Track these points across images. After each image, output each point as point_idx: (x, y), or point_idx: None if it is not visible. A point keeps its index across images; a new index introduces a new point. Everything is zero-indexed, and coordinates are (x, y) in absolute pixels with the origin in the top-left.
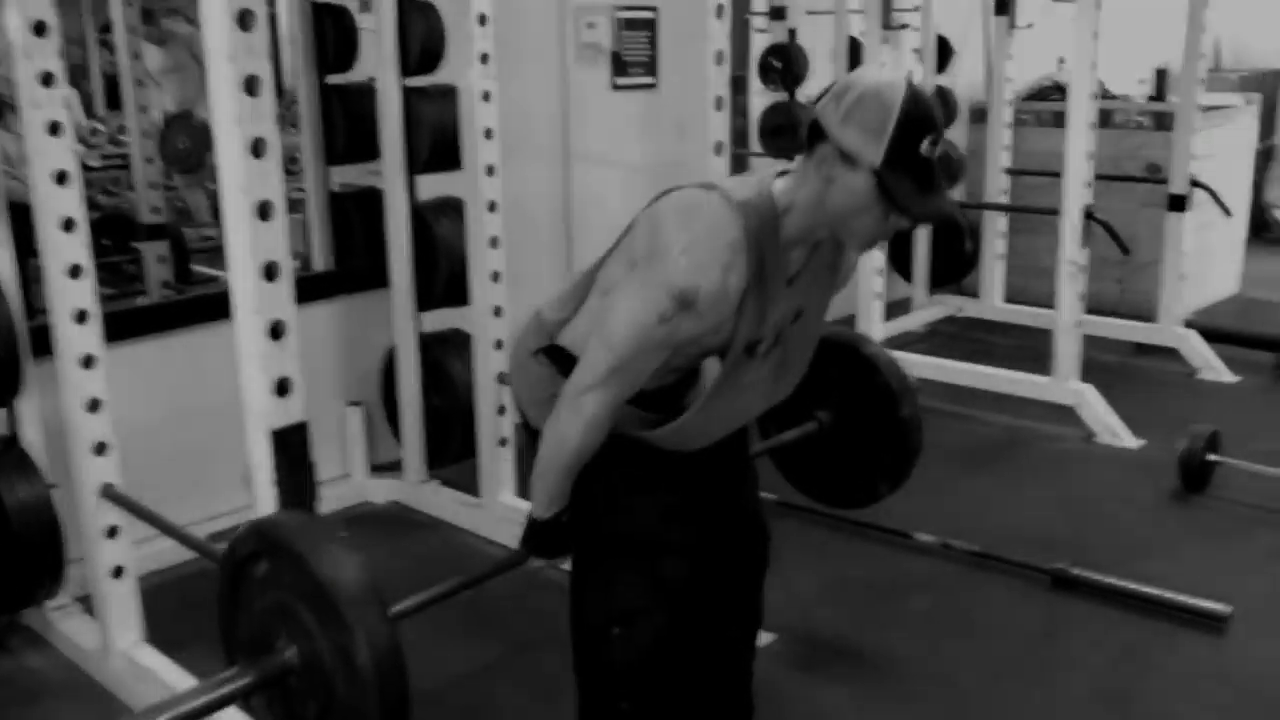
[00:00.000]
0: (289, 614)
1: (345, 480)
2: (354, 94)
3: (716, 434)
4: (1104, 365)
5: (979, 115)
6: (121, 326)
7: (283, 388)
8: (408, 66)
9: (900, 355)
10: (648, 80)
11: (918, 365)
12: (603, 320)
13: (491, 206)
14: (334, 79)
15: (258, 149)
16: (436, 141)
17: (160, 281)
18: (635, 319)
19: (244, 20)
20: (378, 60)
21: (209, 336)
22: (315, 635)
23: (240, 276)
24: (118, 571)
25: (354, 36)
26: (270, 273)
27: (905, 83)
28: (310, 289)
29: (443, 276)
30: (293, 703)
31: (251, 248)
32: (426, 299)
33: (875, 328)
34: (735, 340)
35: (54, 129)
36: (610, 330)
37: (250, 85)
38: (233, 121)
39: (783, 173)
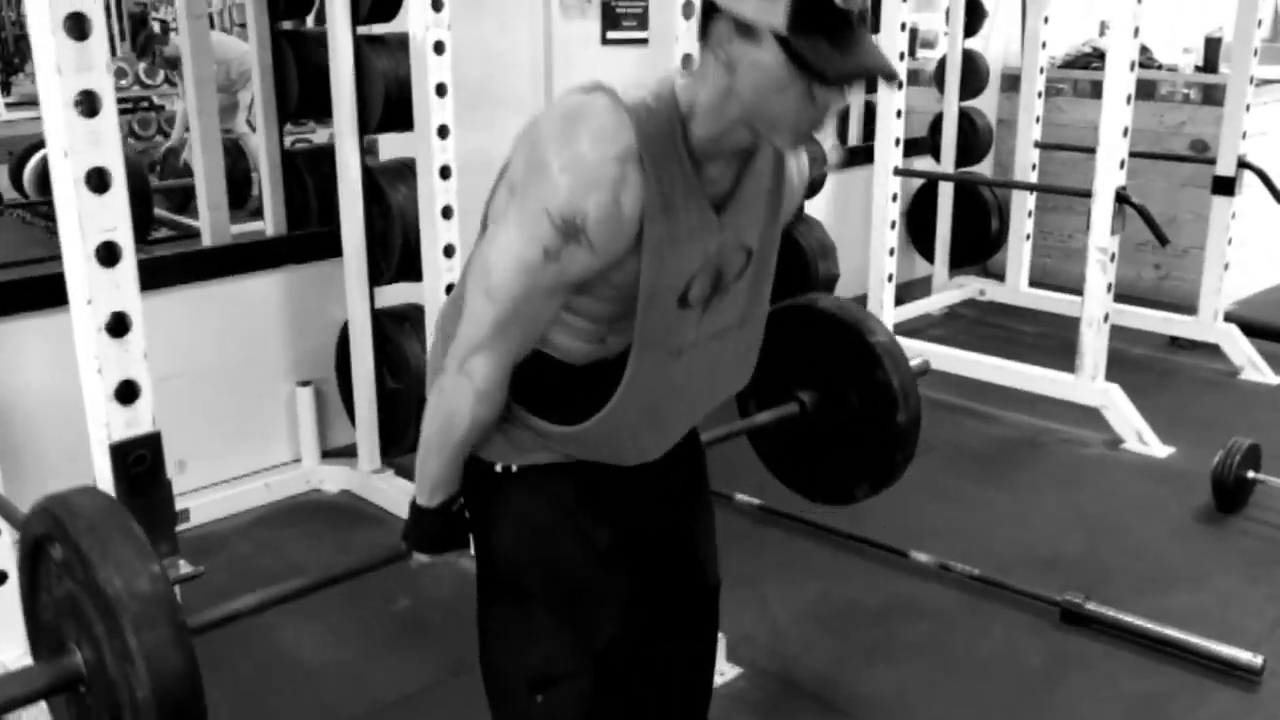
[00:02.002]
0: (80, 615)
1: (295, 466)
2: (310, 42)
3: (654, 437)
4: (1135, 361)
5: (1011, 83)
6: None
7: (127, 393)
8: (359, 12)
9: (911, 342)
10: (642, 35)
11: (929, 353)
12: (481, 262)
13: (444, 172)
14: (287, 25)
15: (91, 105)
16: (392, 98)
17: None
18: (515, 257)
19: None
20: (328, 6)
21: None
22: (103, 647)
23: (71, 260)
24: None
25: None
26: (109, 255)
27: None
28: (261, 256)
29: (398, 246)
30: (86, 712)
31: (81, 225)
32: (381, 271)
33: (886, 312)
34: (647, 280)
35: None
36: (489, 273)
37: (76, 26)
38: (53, 70)
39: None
